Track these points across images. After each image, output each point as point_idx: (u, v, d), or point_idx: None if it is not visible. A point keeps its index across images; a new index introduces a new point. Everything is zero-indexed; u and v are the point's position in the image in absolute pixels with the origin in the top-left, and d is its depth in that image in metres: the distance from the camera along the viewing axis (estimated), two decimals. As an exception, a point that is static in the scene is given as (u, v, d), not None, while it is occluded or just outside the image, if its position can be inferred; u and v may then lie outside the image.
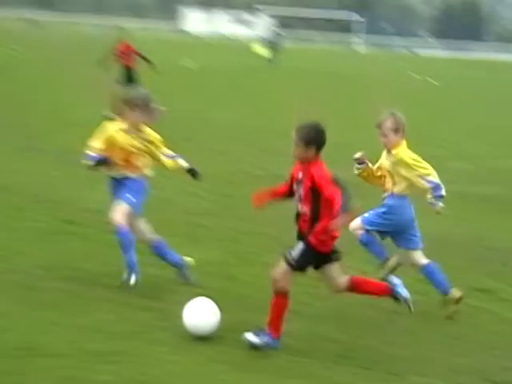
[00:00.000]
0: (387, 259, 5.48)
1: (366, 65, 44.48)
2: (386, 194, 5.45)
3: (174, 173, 5.87)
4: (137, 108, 5.46)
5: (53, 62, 27.43)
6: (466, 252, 7.29)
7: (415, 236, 5.45)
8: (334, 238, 4.49)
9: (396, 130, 5.40)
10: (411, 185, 5.34)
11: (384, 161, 5.52)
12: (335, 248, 4.58)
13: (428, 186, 5.28)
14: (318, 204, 4.41)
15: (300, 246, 4.49)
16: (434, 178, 5.31)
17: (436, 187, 5.28)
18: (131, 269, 5.36)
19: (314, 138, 4.47)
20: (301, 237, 4.55)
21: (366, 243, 5.49)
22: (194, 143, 12.20)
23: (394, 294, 4.79)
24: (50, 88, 19.87)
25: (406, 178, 5.33)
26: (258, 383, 4.17)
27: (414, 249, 5.46)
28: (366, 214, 5.44)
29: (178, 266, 5.61)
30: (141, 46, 17.99)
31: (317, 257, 4.52)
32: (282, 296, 4.47)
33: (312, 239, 4.44)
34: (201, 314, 4.54)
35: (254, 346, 4.42)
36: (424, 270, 5.43)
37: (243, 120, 16.69)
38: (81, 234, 6.78)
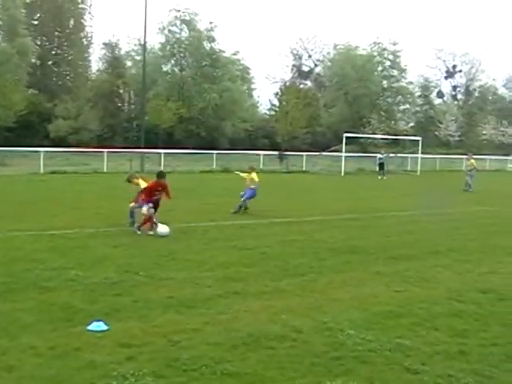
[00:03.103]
0: None
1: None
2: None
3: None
4: None
5: None
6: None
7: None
8: (154, 202, 14.16)
9: None
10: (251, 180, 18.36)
11: None
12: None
13: None
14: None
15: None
16: None
17: None
18: None
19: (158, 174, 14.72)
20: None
21: None
22: None
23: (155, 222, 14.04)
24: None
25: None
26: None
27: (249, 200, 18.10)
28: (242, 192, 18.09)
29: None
30: None
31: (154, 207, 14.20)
32: (146, 220, 13.94)
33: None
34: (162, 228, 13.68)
35: (136, 231, 13.79)
36: (244, 198, 17.79)
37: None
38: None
